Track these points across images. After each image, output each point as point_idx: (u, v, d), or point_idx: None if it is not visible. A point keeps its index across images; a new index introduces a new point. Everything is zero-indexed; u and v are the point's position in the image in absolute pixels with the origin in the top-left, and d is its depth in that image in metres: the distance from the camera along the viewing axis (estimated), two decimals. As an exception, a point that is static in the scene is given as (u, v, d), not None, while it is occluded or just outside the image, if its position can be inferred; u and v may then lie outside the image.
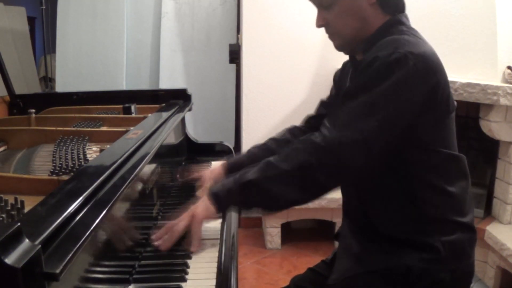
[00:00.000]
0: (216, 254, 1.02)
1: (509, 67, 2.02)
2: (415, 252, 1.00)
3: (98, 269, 0.76)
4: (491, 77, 2.07)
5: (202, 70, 3.46)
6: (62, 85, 3.48)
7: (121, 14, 3.44)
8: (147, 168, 1.13)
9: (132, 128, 1.29)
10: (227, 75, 3.45)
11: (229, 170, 1.30)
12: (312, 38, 2.63)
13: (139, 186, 1.06)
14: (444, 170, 1.02)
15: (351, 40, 1.06)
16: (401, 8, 1.06)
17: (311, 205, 2.47)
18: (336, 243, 1.26)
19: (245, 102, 2.71)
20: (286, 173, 0.97)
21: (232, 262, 1.02)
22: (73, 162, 1.13)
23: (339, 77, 1.26)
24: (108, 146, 1.13)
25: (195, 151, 1.81)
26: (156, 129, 1.30)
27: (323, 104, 1.35)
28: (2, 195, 0.84)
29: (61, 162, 1.14)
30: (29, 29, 4.37)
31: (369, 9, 1.03)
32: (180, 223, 1.02)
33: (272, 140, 1.35)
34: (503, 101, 1.89)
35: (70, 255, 0.58)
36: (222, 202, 1.02)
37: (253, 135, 2.72)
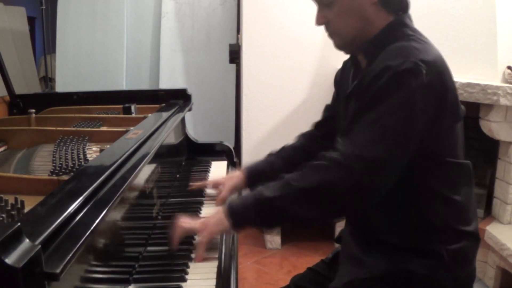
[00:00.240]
0: (216, 254, 1.02)
1: (509, 67, 2.02)
2: (418, 258, 0.99)
3: (98, 269, 0.76)
4: (491, 77, 2.07)
5: (202, 70, 3.46)
6: (62, 85, 3.48)
7: (121, 14, 3.44)
8: (147, 168, 1.13)
9: (132, 128, 1.29)
10: (227, 75, 3.45)
11: (249, 178, 1.29)
12: (312, 38, 2.63)
13: (139, 186, 1.06)
14: (450, 179, 1.00)
15: (352, 40, 1.04)
16: (404, 7, 1.03)
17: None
18: (336, 243, 1.26)
19: (245, 102, 2.71)
20: (305, 192, 0.94)
21: (232, 262, 1.02)
22: (73, 162, 1.13)
23: (340, 77, 1.25)
24: (108, 146, 1.13)
25: (195, 151, 1.81)
26: (156, 129, 1.30)
27: (328, 109, 1.33)
28: (2, 195, 0.84)
29: (61, 162, 1.14)
30: (29, 29, 4.37)
31: (371, 9, 1.00)
32: (191, 224, 1.01)
33: (287, 148, 1.33)
34: (503, 101, 1.89)
35: (70, 255, 0.58)
36: (238, 218, 0.99)
37: (253, 135, 2.72)
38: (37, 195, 0.82)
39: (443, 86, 0.94)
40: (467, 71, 2.15)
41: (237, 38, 3.24)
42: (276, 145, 1.37)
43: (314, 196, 0.94)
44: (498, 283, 2.03)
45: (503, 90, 1.89)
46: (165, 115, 1.52)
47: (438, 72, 0.93)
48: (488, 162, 2.23)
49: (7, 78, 1.83)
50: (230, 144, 1.86)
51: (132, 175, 0.91)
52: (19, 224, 0.52)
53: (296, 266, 2.48)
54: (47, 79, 4.18)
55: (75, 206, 0.70)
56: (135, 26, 3.50)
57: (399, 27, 1.01)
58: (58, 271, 0.54)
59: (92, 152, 1.28)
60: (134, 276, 0.91)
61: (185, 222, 1.01)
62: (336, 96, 1.27)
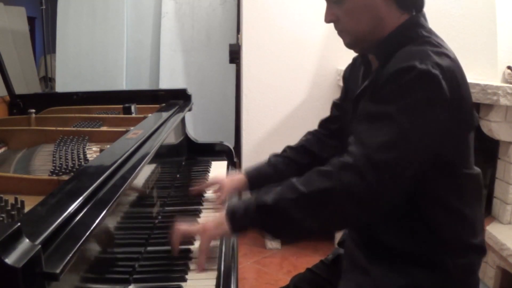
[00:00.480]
0: (216, 254, 1.02)
1: (509, 67, 2.02)
2: (425, 271, 0.96)
3: (98, 269, 0.76)
4: (491, 77, 2.07)
5: (202, 70, 3.46)
6: (62, 85, 3.48)
7: (121, 14, 3.45)
8: (147, 168, 1.13)
9: (132, 128, 1.29)
10: (227, 75, 3.45)
11: (251, 181, 1.24)
12: (312, 38, 2.63)
13: (139, 186, 1.06)
14: (461, 192, 0.97)
15: (363, 38, 0.98)
16: (419, 6, 0.98)
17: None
18: (336, 243, 1.24)
19: (245, 102, 2.71)
20: (312, 198, 0.89)
21: (232, 262, 1.02)
22: (73, 162, 1.13)
23: (349, 73, 1.19)
24: (108, 146, 1.13)
25: (195, 151, 1.81)
26: (156, 129, 1.30)
27: (335, 105, 1.28)
28: (2, 195, 0.84)
29: (61, 162, 1.14)
30: (29, 29, 4.37)
31: (384, 7, 0.95)
32: (190, 229, 0.98)
33: (291, 149, 1.28)
34: (503, 101, 1.89)
35: (70, 255, 0.58)
36: (237, 222, 0.94)
37: (253, 135, 2.72)
38: (37, 195, 0.82)
39: (458, 93, 0.90)
40: (467, 71, 2.12)
41: (237, 38, 3.24)
42: (276, 145, 1.36)
43: (322, 203, 0.89)
44: (498, 283, 2.03)
45: (503, 90, 1.89)
46: (165, 115, 1.52)
47: (454, 78, 0.89)
48: (488, 162, 2.23)
49: (7, 78, 1.83)
50: (230, 144, 1.86)
51: (132, 175, 0.91)
52: (19, 224, 0.52)
53: (296, 266, 2.48)
54: (47, 79, 4.18)
55: (75, 206, 0.69)
56: (135, 26, 3.51)
57: (414, 27, 0.96)
58: (58, 271, 0.54)
59: (92, 152, 1.28)
60: (134, 276, 0.91)
61: (183, 226, 0.98)
62: (345, 93, 1.22)
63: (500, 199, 2.12)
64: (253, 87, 2.69)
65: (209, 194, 1.37)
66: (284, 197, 0.90)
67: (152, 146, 1.13)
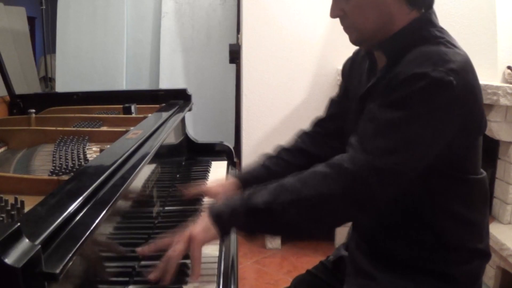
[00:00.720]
0: (216, 254, 1.02)
1: (509, 67, 2.02)
2: (431, 278, 0.95)
3: (98, 269, 0.76)
4: (491, 77, 2.07)
5: (202, 70, 3.46)
6: (62, 85, 3.49)
7: (121, 14, 3.45)
8: (147, 168, 1.12)
9: (132, 128, 1.29)
10: (227, 75, 3.46)
11: (245, 185, 1.17)
12: (312, 38, 2.63)
13: (139, 186, 1.06)
14: (468, 198, 0.96)
15: (371, 35, 0.95)
16: (428, 3, 0.94)
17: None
18: (336, 244, 1.24)
19: (245, 102, 2.71)
20: (307, 200, 0.86)
21: (232, 262, 1.02)
22: (73, 162, 1.13)
23: (349, 69, 1.15)
24: (108, 146, 1.13)
25: (195, 151, 1.81)
26: (156, 129, 1.30)
27: (333, 103, 1.23)
28: (2, 195, 0.84)
29: (61, 162, 1.14)
30: (29, 29, 4.37)
31: (393, 3, 0.91)
32: (176, 249, 0.87)
33: (285, 150, 1.23)
34: (503, 101, 1.89)
35: (70, 255, 0.58)
36: (224, 224, 0.90)
37: (253, 135, 2.72)
38: (37, 195, 0.82)
39: (471, 97, 0.88)
40: (467, 71, 2.15)
41: (237, 38, 3.25)
42: (276, 145, 1.35)
43: (320, 206, 0.86)
44: (498, 283, 2.03)
45: (503, 90, 1.89)
46: (165, 115, 1.52)
47: (468, 82, 0.87)
48: (488, 162, 2.23)
49: (7, 78, 1.82)
50: (230, 144, 1.86)
51: (132, 175, 0.91)
52: (19, 224, 0.52)
53: (296, 266, 2.48)
54: (47, 79, 4.19)
55: (75, 206, 0.69)
56: (135, 26, 3.51)
57: (425, 26, 0.92)
58: (58, 271, 0.54)
59: (92, 152, 1.28)
60: (134, 278, 0.91)
61: (176, 252, 0.87)
62: (344, 90, 1.18)
63: (500, 199, 2.12)
64: (253, 87, 2.69)
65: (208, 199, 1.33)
66: (278, 200, 0.87)
67: (152, 146, 1.13)
